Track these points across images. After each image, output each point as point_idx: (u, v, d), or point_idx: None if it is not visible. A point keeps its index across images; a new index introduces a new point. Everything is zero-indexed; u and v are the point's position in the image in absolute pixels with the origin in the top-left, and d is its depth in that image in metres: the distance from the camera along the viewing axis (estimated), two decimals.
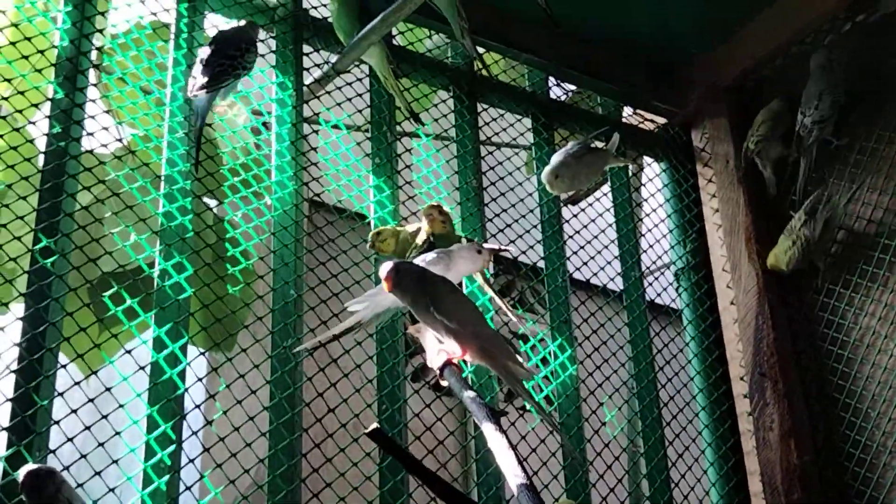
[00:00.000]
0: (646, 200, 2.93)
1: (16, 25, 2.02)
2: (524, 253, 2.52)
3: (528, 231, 2.55)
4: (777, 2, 2.72)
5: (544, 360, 2.42)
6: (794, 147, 2.58)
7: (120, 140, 2.11)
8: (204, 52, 2.09)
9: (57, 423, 1.72)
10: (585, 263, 2.62)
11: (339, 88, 2.42)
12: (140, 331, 1.91)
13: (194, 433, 1.86)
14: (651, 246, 2.82)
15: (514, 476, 1.43)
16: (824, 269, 2.53)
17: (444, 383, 1.63)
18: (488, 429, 1.50)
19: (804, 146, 2.55)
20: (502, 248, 2.18)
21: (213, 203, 2.29)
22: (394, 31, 2.52)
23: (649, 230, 2.87)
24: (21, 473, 1.51)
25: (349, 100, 2.44)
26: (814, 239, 2.47)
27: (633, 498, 2.56)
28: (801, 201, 2.55)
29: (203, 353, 2.08)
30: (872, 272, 2.45)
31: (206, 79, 2.03)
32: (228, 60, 2.07)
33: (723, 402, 2.64)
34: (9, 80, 1.96)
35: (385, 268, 1.59)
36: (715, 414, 2.63)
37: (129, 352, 1.84)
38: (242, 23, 2.23)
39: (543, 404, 2.33)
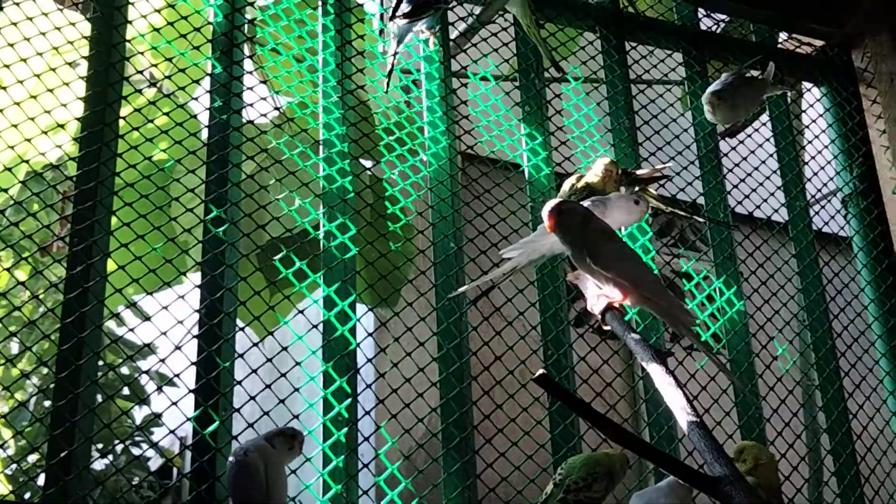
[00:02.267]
0: (807, 127, 2.84)
1: (171, 6, 2.10)
2: (682, 190, 2.48)
3: (685, 168, 2.50)
4: None
5: (710, 298, 2.39)
6: None
7: (277, 109, 2.18)
8: None
9: (239, 382, 1.81)
10: (747, 196, 2.56)
11: (485, 40, 2.43)
12: (310, 291, 1.98)
13: (368, 386, 1.92)
14: (815, 174, 2.73)
15: (684, 415, 1.42)
16: None
17: (607, 328, 1.64)
18: (655, 369, 1.50)
19: None
20: (657, 172, 2.16)
21: (369, 164, 2.34)
22: None
23: (812, 158, 2.77)
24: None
25: (495, 50, 2.44)
26: None
27: (809, 431, 2.51)
28: None
29: (371, 310, 2.14)
30: None
31: (409, 7, 2.12)
32: None
33: None
34: (169, 59, 2.05)
35: (548, 206, 1.59)
36: (892, 342, 2.54)
37: (301, 311, 1.91)
38: None
39: (711, 342, 2.30)
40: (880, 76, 2.74)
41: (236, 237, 1.93)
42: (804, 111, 2.87)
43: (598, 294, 1.66)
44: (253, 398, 1.78)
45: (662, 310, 1.65)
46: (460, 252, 2.13)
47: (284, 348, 1.85)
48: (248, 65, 2.14)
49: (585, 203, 1.87)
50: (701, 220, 2.46)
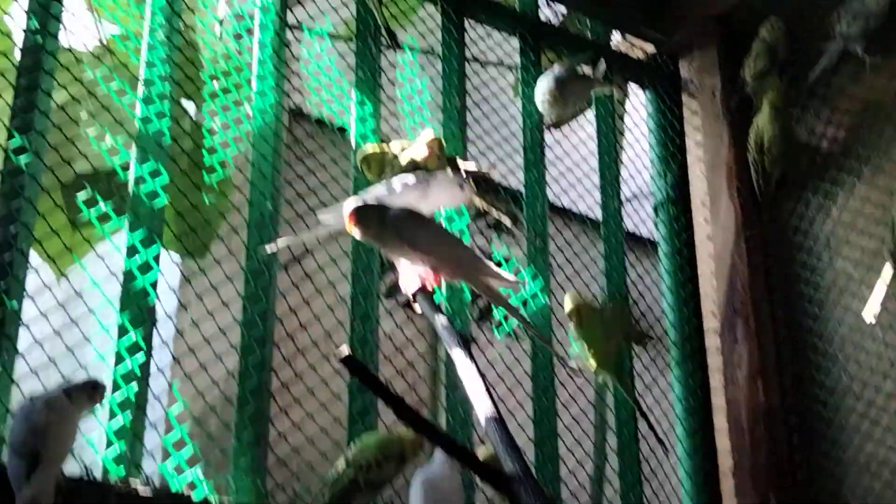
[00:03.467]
0: (629, 130, 2.90)
1: None
2: (504, 178, 2.49)
3: (509, 156, 2.51)
4: None
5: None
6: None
7: (99, 40, 2.05)
8: None
9: (26, 326, 1.69)
10: (565, 192, 2.60)
11: None
12: (113, 236, 1.87)
13: (164, 342, 1.84)
14: (632, 176, 2.80)
15: (481, 404, 1.42)
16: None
17: (418, 309, 1.62)
18: (457, 355, 1.49)
19: (827, 48, 2.54)
20: (481, 171, 2.16)
21: (191, 110, 2.24)
22: None
23: (631, 160, 2.84)
24: None
25: (334, 10, 2.38)
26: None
27: (598, 429, 2.58)
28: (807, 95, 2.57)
29: (176, 265, 2.05)
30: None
31: None
32: None
33: (694, 338, 2.65)
34: None
35: (347, 207, 1.56)
36: (685, 349, 2.64)
37: (101, 257, 1.80)
38: None
39: (513, 334, 2.32)
40: (703, 89, 2.83)
41: (38, 170, 1.80)
42: (628, 113, 2.94)
43: (412, 273, 1.64)
44: (39, 343, 1.67)
45: (479, 282, 1.65)
46: (276, 213, 2.07)
47: (78, 294, 1.74)
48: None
49: (409, 178, 1.84)
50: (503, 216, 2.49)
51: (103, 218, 1.84)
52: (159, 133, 1.95)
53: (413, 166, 2.03)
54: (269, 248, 1.85)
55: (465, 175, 2.05)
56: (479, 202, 2.04)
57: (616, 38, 3.00)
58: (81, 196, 1.82)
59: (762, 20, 2.66)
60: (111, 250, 1.85)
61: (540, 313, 2.36)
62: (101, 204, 1.83)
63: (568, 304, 2.27)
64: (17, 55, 1.88)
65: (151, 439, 1.77)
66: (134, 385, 1.75)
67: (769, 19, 2.63)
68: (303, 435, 1.89)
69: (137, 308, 1.81)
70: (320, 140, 2.24)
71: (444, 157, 2.10)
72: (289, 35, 2.28)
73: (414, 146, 2.08)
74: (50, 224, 1.77)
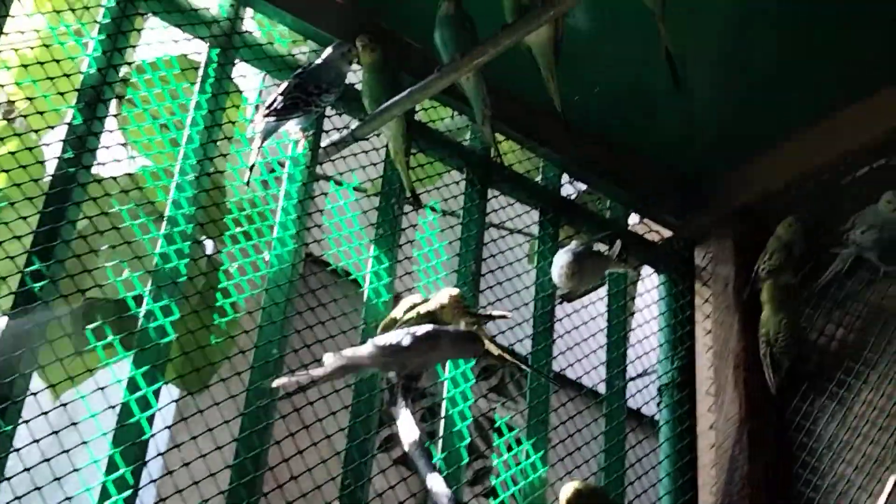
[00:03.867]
0: (640, 311, 2.92)
1: (46, 45, 2.03)
2: (512, 346, 2.50)
3: (519, 324, 2.53)
4: (811, 130, 2.72)
5: (516, 457, 2.39)
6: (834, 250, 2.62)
7: (130, 175, 2.11)
8: (291, 79, 2.20)
9: (17, 450, 1.68)
10: (571, 365, 2.61)
11: (355, 155, 2.42)
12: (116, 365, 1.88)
13: (152, 481, 1.82)
14: (639, 357, 2.81)
15: None
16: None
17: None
18: None
19: (842, 253, 2.58)
20: (496, 313, 2.19)
21: (210, 249, 2.28)
22: (416, 107, 2.52)
23: (639, 341, 2.85)
24: None
25: (363, 168, 2.44)
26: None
27: None
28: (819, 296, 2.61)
29: (175, 402, 2.05)
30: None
31: (277, 107, 2.12)
32: (304, 96, 2.16)
33: None
34: (30, 99, 1.96)
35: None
36: None
37: (101, 388, 1.81)
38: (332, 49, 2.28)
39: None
40: (716, 278, 2.86)
41: (52, 297, 1.82)
42: (640, 294, 2.97)
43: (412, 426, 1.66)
44: (27, 470, 1.66)
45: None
46: (281, 360, 2.08)
47: (74, 424, 1.74)
48: (110, 123, 2.06)
49: (421, 329, 1.86)
50: (526, 367, 2.49)
51: (108, 348, 1.86)
52: (176, 271, 1.99)
53: (430, 318, 2.05)
54: (276, 384, 1.84)
55: (481, 323, 2.08)
56: (495, 349, 2.05)
57: (634, 219, 3.06)
58: (91, 326, 1.84)
59: (780, 217, 2.71)
60: (110, 379, 1.86)
61: (537, 484, 2.34)
62: (110, 336, 1.84)
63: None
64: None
65: None
66: None
67: (787, 219, 2.68)
68: None
69: (131, 443, 1.80)
70: (334, 290, 2.26)
71: (463, 312, 2.13)
72: (315, 187, 2.33)
73: (434, 299, 2.11)
74: (56, 352, 1.78)
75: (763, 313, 2.61)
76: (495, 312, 2.20)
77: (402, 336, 1.85)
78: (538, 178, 2.85)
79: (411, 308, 2.08)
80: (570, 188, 2.94)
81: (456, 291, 2.10)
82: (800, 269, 2.66)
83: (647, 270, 3.03)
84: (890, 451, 2.34)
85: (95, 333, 1.85)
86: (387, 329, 2.06)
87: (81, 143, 1.97)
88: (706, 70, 2.62)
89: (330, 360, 1.78)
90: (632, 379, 2.80)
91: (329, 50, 2.28)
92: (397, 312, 2.09)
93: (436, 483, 1.56)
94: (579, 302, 2.80)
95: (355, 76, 2.40)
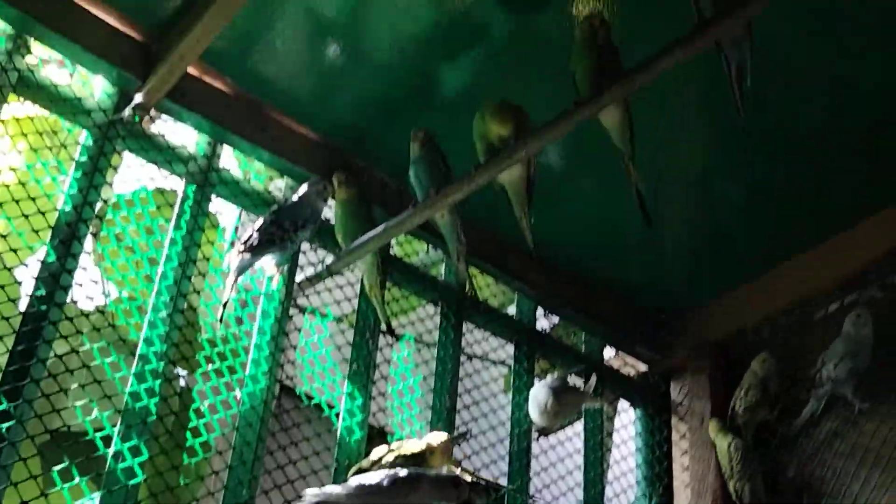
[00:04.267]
0: (618, 446, 2.90)
1: (22, 183, 2.03)
2: (497, 479, 2.47)
3: (494, 462, 2.50)
4: (782, 266, 2.77)
5: None
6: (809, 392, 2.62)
7: (101, 311, 2.09)
8: (265, 216, 2.21)
9: None
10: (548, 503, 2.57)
11: (329, 290, 2.42)
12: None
13: None
14: (617, 496, 2.77)
15: None
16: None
17: None
18: None
19: (816, 393, 2.57)
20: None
21: (181, 385, 2.25)
22: (391, 241, 2.54)
23: (617, 478, 2.82)
24: None
25: (337, 302, 2.44)
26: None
27: None
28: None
29: None
30: None
31: (253, 243, 2.12)
32: (280, 232, 2.16)
33: None
34: (3, 237, 1.95)
35: None
36: None
37: None
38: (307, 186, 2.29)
39: None
40: (692, 413, 2.85)
41: (19, 436, 1.78)
42: (617, 430, 2.94)
43: None
44: None
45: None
46: (252, 500, 2.03)
47: None
48: (83, 259, 2.05)
49: (401, 472, 1.83)
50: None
51: (75, 489, 1.81)
52: (146, 410, 1.96)
53: (414, 461, 2.02)
54: None
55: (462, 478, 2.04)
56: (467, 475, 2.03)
57: (609, 352, 3.05)
58: (58, 468, 1.80)
59: (754, 351, 2.72)
60: None
61: None
62: (77, 478, 1.80)
63: None
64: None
65: None
66: None
67: (761, 354, 2.69)
68: None
69: None
70: (305, 427, 2.23)
71: (449, 459, 2.11)
72: (290, 320, 2.32)
73: (419, 441, 2.08)
74: (21, 496, 1.74)
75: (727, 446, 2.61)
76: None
77: (382, 477, 1.82)
78: (513, 312, 2.86)
79: (389, 452, 2.06)
80: (544, 321, 2.94)
81: (445, 436, 2.09)
82: (775, 406, 2.66)
83: (623, 404, 3.01)
84: None
85: (61, 474, 1.81)
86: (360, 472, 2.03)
87: (54, 280, 1.95)
88: (677, 209, 2.67)
89: (308, 498, 1.74)
90: None
91: (305, 187, 2.30)
92: (373, 457, 2.08)
93: None
94: (555, 437, 2.77)
95: (330, 211, 2.42)
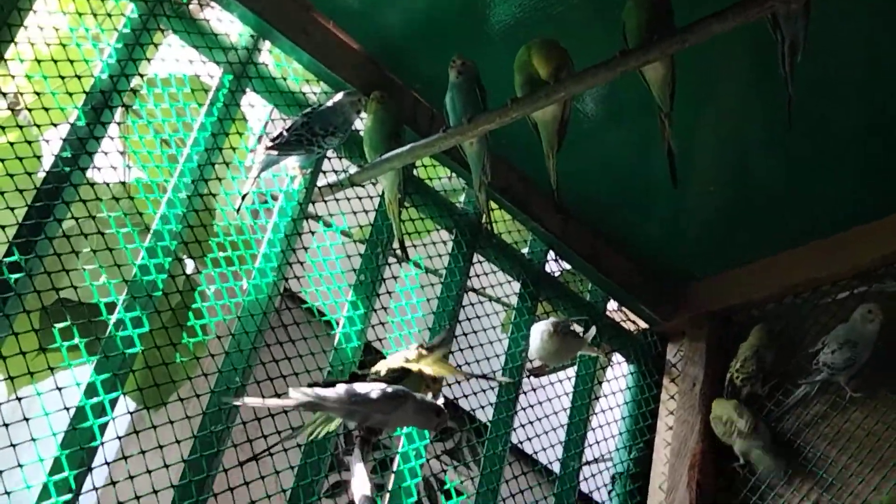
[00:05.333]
0: (605, 396, 2.93)
1: (63, 45, 2.05)
2: (474, 411, 2.51)
3: (483, 390, 2.54)
4: (799, 248, 2.79)
5: None
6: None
7: (123, 183, 2.12)
8: (299, 117, 2.22)
9: None
10: (529, 439, 2.61)
11: (349, 200, 2.44)
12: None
13: (95, 489, 1.81)
14: (598, 442, 2.82)
15: None
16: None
17: None
18: None
19: (810, 378, 2.59)
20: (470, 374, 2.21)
21: (190, 269, 2.29)
22: (416, 163, 2.55)
23: (600, 426, 2.86)
24: None
25: (354, 213, 2.46)
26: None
27: None
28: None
29: (131, 414, 2.04)
30: None
31: (281, 142, 2.14)
32: (309, 136, 2.18)
33: None
34: (38, 94, 1.98)
35: None
36: None
37: (59, 389, 1.80)
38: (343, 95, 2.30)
39: None
40: (685, 377, 2.88)
41: (26, 289, 1.83)
42: (608, 380, 2.98)
43: (365, 478, 1.66)
44: None
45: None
46: (243, 388, 2.08)
47: (26, 420, 1.73)
48: (113, 130, 2.07)
49: (389, 388, 1.86)
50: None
51: (73, 350, 1.86)
52: (153, 285, 1.99)
53: (399, 374, 2.05)
54: (238, 402, 1.83)
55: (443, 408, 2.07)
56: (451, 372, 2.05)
57: (612, 305, 3.08)
58: (59, 325, 1.84)
59: (754, 326, 2.74)
60: (69, 381, 1.85)
61: None
62: (77, 339, 1.85)
63: None
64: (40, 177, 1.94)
65: None
66: None
67: (760, 325, 2.71)
68: None
69: (79, 448, 1.79)
70: (305, 328, 2.27)
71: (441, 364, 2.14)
72: (305, 223, 2.35)
73: (410, 350, 2.11)
74: (21, 346, 1.78)
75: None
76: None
77: (372, 389, 1.85)
78: (524, 251, 2.88)
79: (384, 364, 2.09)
80: (554, 266, 2.96)
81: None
82: (768, 381, 2.69)
83: (618, 358, 3.05)
84: None
85: (62, 333, 1.85)
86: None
87: (81, 144, 1.98)
88: (704, 175, 2.66)
89: (296, 395, 1.77)
90: (587, 463, 2.80)
91: (340, 95, 2.31)
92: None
93: None
94: (546, 378, 2.81)
95: (360, 122, 2.43)
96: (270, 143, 2.16)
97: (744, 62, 2.33)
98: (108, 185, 2.03)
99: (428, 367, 2.00)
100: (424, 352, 2.03)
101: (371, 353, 2.37)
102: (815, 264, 2.75)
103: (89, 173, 2.01)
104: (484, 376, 2.30)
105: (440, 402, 2.05)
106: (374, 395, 1.84)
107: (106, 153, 2.04)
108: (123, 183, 2.16)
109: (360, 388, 1.86)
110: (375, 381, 1.98)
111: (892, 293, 2.63)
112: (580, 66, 1.97)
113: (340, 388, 1.83)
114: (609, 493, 2.83)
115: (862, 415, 2.54)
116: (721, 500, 2.63)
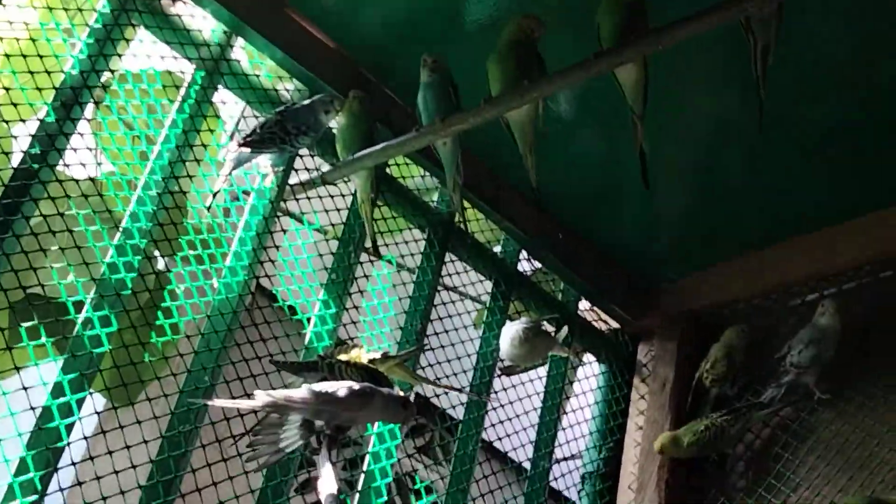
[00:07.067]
0: (576, 396, 2.94)
1: (33, 40, 2.03)
2: (446, 410, 2.51)
3: (458, 390, 2.53)
4: (768, 251, 2.80)
5: None
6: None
7: (92, 180, 2.10)
8: (272, 115, 2.21)
9: None
10: (500, 439, 2.61)
11: (321, 198, 2.43)
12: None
13: (61, 490, 1.79)
14: (568, 442, 2.82)
15: None
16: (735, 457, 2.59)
17: None
18: None
19: (778, 380, 2.60)
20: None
21: (161, 266, 2.27)
22: (389, 161, 2.54)
23: (571, 426, 2.87)
24: None
25: (326, 211, 2.45)
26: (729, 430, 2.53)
27: None
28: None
29: (98, 413, 2.02)
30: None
31: (254, 139, 2.14)
32: (282, 134, 2.17)
33: None
34: (7, 89, 1.95)
35: None
36: None
37: (25, 388, 1.78)
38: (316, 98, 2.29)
39: None
40: (655, 377, 2.89)
41: None
42: (579, 380, 2.99)
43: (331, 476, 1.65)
44: None
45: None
46: (212, 388, 2.06)
47: None
48: (82, 126, 2.05)
49: (356, 385, 1.86)
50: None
51: (40, 349, 1.84)
52: (122, 283, 1.97)
53: (365, 373, 2.04)
54: (207, 402, 1.82)
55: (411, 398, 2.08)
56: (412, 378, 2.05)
57: (584, 304, 3.08)
58: (26, 325, 1.82)
59: (724, 328, 2.76)
60: (35, 380, 1.83)
61: None
62: (44, 338, 1.83)
63: None
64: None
65: None
66: None
67: (733, 327, 2.73)
68: None
69: (45, 448, 1.78)
70: (276, 326, 2.25)
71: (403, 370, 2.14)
72: (276, 220, 2.34)
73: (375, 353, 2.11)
74: None
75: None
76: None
77: (338, 387, 1.84)
78: (497, 250, 2.88)
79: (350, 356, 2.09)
80: (526, 265, 2.96)
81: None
82: (736, 382, 2.70)
83: (588, 357, 3.05)
84: None
85: (29, 332, 1.83)
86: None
87: (50, 140, 1.96)
88: (676, 177, 2.67)
89: (262, 397, 1.76)
90: (557, 461, 2.80)
91: (316, 96, 2.30)
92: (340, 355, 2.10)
93: None
94: (518, 378, 2.81)
95: (334, 122, 2.42)
96: (243, 141, 2.15)
97: (716, 65, 2.34)
98: (77, 181, 2.01)
99: (390, 373, 2.02)
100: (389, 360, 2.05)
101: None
102: (785, 266, 2.77)
103: (58, 170, 1.98)
104: (451, 388, 2.30)
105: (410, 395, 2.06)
106: (341, 393, 1.83)
107: (75, 150, 2.02)
108: (93, 179, 2.13)
109: (327, 386, 1.85)
110: (347, 367, 1.99)
111: (853, 292, 2.65)
112: (554, 68, 1.97)
113: (304, 389, 1.81)
114: (579, 492, 2.84)
115: (830, 416, 2.56)
116: (690, 500, 2.64)
